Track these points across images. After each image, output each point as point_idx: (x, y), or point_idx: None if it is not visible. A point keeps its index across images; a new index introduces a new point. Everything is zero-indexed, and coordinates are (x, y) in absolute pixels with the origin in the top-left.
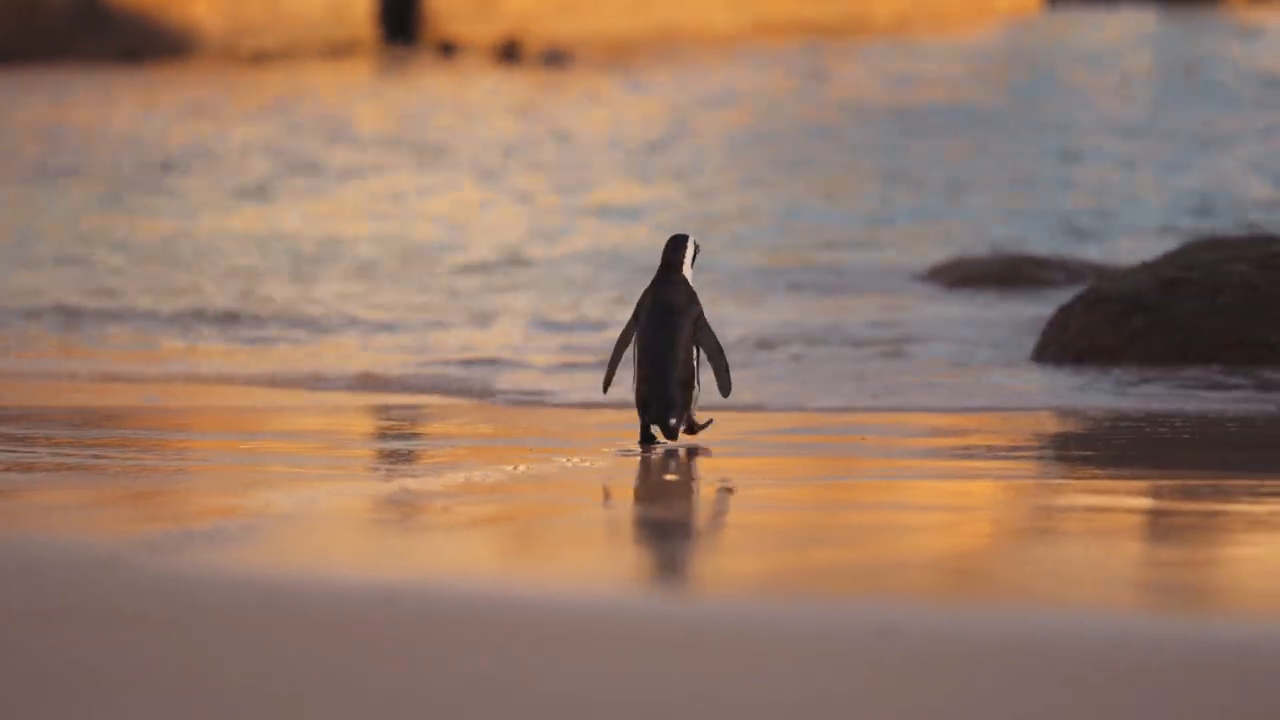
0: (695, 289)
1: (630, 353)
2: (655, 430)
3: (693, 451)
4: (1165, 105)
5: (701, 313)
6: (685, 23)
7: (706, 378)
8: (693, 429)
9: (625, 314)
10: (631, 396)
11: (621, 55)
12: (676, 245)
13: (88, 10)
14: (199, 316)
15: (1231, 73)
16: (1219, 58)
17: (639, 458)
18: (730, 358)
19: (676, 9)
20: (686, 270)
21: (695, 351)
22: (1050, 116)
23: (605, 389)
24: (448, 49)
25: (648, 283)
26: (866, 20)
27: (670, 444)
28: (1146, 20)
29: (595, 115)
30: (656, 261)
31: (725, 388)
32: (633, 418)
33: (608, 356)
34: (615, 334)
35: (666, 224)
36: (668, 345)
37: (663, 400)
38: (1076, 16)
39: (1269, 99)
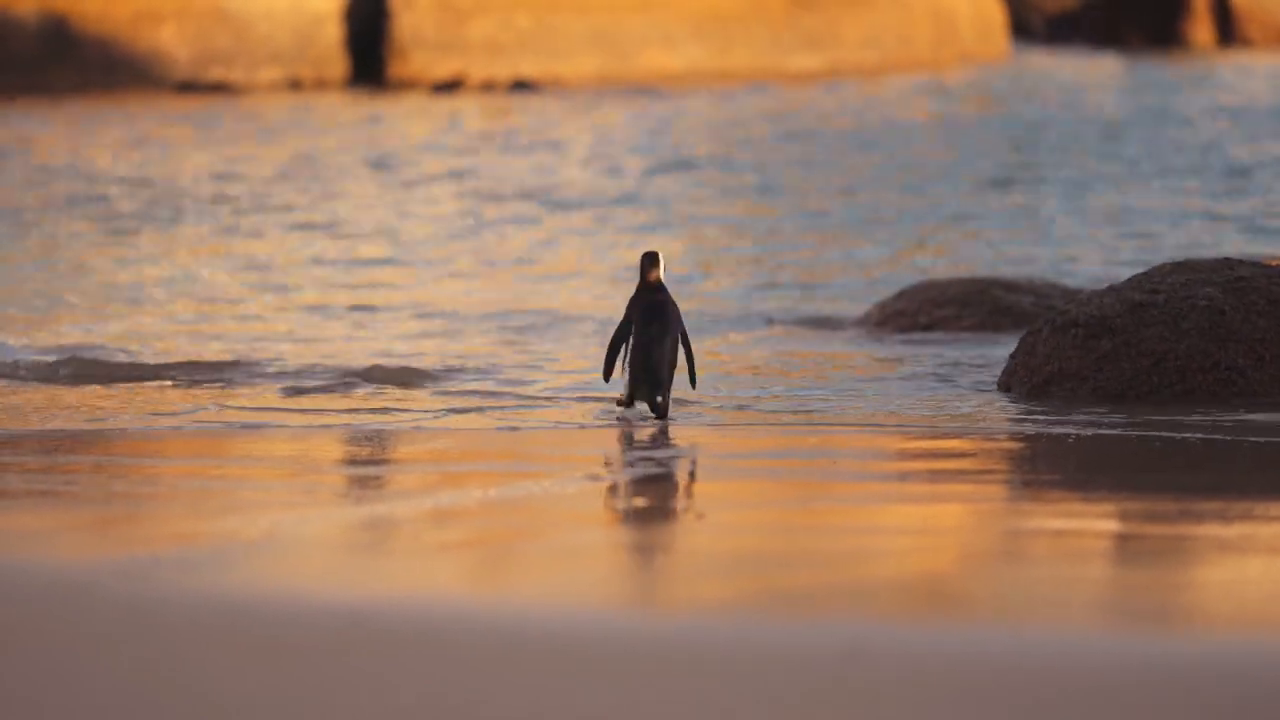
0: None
1: (625, 346)
2: (647, 407)
3: (664, 474)
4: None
5: (681, 315)
6: (652, 64)
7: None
8: (662, 412)
9: None
10: (626, 382)
11: (583, 91)
12: (653, 259)
13: (55, 37)
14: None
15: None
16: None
17: (608, 483)
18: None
19: (643, 50)
20: (663, 279)
21: (677, 346)
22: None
23: (606, 378)
24: (411, 85)
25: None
26: (834, 67)
27: (659, 421)
28: (1113, 66)
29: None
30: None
31: (694, 381)
32: (600, 441)
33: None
34: None
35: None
36: (660, 340)
37: (657, 383)
38: (1042, 60)
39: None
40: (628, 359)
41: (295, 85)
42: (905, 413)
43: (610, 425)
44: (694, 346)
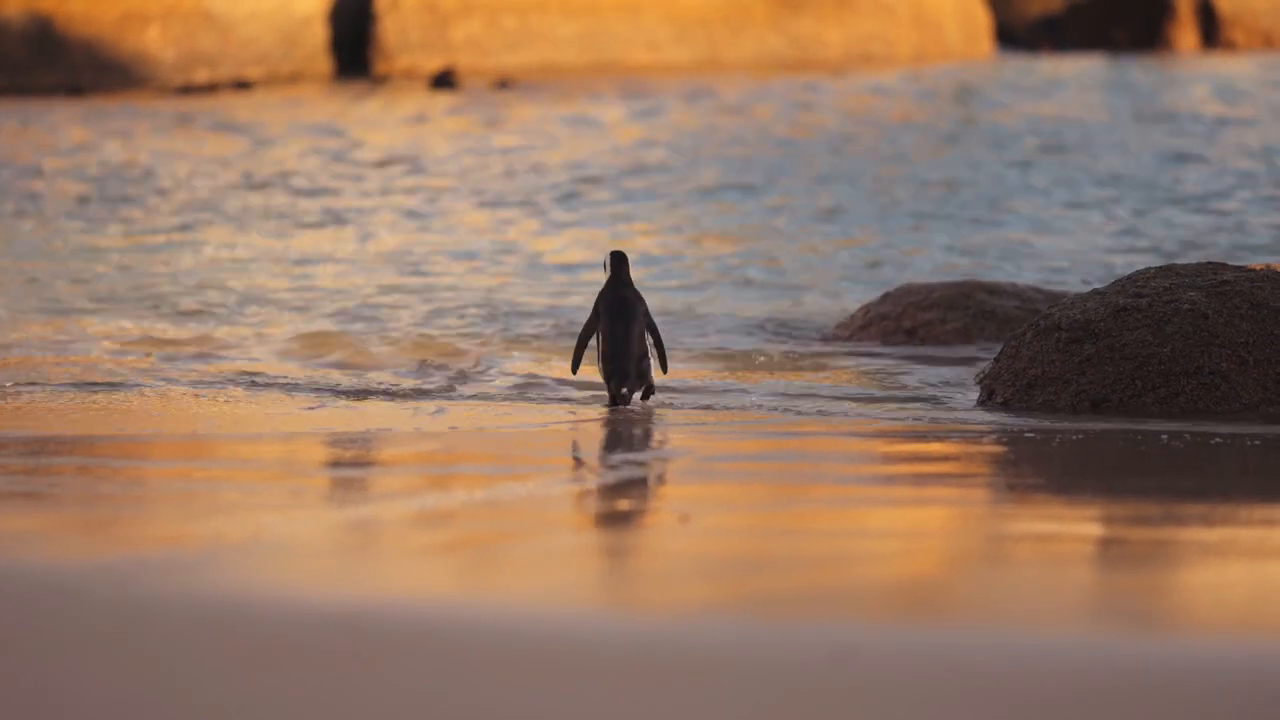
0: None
1: (595, 340)
2: (621, 397)
3: (649, 477)
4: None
5: (648, 308)
6: (635, 58)
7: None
8: (648, 394)
9: None
10: (598, 374)
11: (565, 86)
12: (620, 258)
13: (41, 38)
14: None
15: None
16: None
17: (593, 485)
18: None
19: (626, 44)
20: (629, 276)
21: (644, 338)
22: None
23: (574, 370)
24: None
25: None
26: (818, 61)
27: (632, 405)
28: (1098, 66)
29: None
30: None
31: (664, 367)
32: (584, 443)
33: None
34: None
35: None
36: (626, 333)
37: (624, 375)
38: (1023, 63)
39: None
40: (599, 354)
41: (291, 82)
42: (888, 416)
43: (595, 426)
44: (680, 348)
